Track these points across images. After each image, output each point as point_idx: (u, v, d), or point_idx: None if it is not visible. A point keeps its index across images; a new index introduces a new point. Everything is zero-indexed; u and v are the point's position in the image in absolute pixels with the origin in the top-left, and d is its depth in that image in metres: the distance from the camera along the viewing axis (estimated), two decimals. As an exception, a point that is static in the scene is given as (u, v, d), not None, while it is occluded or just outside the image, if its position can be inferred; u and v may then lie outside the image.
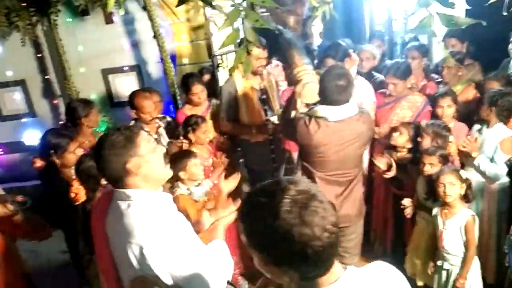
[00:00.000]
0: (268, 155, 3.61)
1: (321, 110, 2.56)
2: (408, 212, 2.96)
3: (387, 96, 3.50)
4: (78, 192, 2.61)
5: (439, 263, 2.76)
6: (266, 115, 3.48)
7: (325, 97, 2.54)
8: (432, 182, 2.73)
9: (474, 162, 2.80)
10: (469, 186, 2.65)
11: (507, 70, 3.60)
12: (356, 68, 3.55)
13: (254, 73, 3.38)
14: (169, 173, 1.76)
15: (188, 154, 2.78)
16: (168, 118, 3.76)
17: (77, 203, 2.63)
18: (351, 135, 2.58)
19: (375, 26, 5.56)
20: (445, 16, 1.79)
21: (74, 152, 2.91)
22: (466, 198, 2.66)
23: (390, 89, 3.39)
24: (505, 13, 2.20)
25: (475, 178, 2.89)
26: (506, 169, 2.86)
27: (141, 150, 1.64)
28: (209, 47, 4.11)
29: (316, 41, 4.95)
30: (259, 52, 3.23)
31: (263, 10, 5.66)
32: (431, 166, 2.82)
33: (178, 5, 2.25)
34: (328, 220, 1.04)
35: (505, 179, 2.94)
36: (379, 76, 3.86)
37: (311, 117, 2.58)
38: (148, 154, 1.65)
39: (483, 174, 2.84)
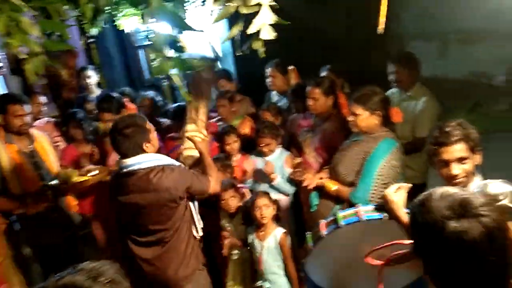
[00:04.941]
0: (55, 225, 3.17)
1: None
2: (225, 251, 3.01)
3: (176, 139, 3.51)
4: None
5: (259, 283, 2.90)
6: (43, 179, 3.06)
7: None
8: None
9: (274, 183, 3.19)
10: (278, 207, 2.93)
11: (270, 101, 4.05)
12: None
13: (18, 133, 2.98)
14: None
15: None
16: None
17: None
18: None
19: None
20: (180, 61, 1.83)
21: None
22: (277, 218, 2.91)
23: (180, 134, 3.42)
24: (238, 54, 2.24)
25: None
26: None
27: None
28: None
29: (95, 92, 4.61)
30: (16, 110, 2.86)
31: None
32: (232, 199, 3.01)
33: None
34: None
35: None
36: (165, 121, 3.86)
37: None
38: None
39: (281, 191, 3.26)
